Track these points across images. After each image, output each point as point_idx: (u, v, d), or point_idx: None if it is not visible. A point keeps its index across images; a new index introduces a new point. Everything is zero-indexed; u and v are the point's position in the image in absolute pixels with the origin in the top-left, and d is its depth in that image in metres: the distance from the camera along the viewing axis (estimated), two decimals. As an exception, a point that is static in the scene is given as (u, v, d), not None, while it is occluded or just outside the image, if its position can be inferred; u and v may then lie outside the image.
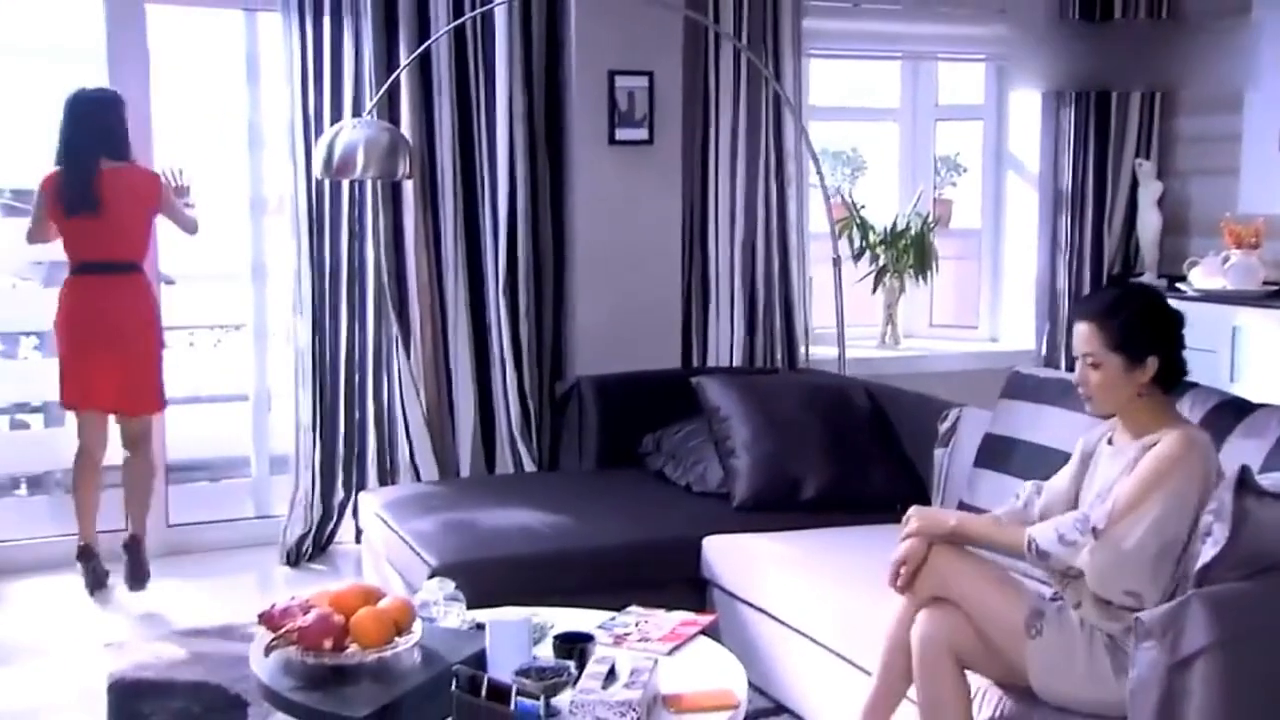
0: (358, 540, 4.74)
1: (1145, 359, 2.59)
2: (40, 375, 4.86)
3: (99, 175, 4.35)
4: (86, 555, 4.53)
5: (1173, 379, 2.66)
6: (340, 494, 4.86)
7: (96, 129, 4.38)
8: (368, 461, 4.87)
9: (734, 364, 5.16)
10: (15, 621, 4.29)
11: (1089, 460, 2.74)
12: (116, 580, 4.57)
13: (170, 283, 5.61)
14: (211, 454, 5.62)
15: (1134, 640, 2.38)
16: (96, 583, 4.53)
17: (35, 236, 4.52)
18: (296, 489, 4.83)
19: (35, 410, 5.80)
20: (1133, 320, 2.60)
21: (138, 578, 4.51)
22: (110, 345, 4.43)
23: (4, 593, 4.54)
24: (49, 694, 3.68)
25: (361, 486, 4.79)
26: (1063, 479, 2.78)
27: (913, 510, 2.81)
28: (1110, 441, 2.70)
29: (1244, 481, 2.41)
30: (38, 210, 4.47)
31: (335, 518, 4.88)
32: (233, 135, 4.95)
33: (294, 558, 4.81)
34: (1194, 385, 2.95)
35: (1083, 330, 2.64)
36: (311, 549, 4.84)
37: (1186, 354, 2.66)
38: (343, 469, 4.84)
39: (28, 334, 5.79)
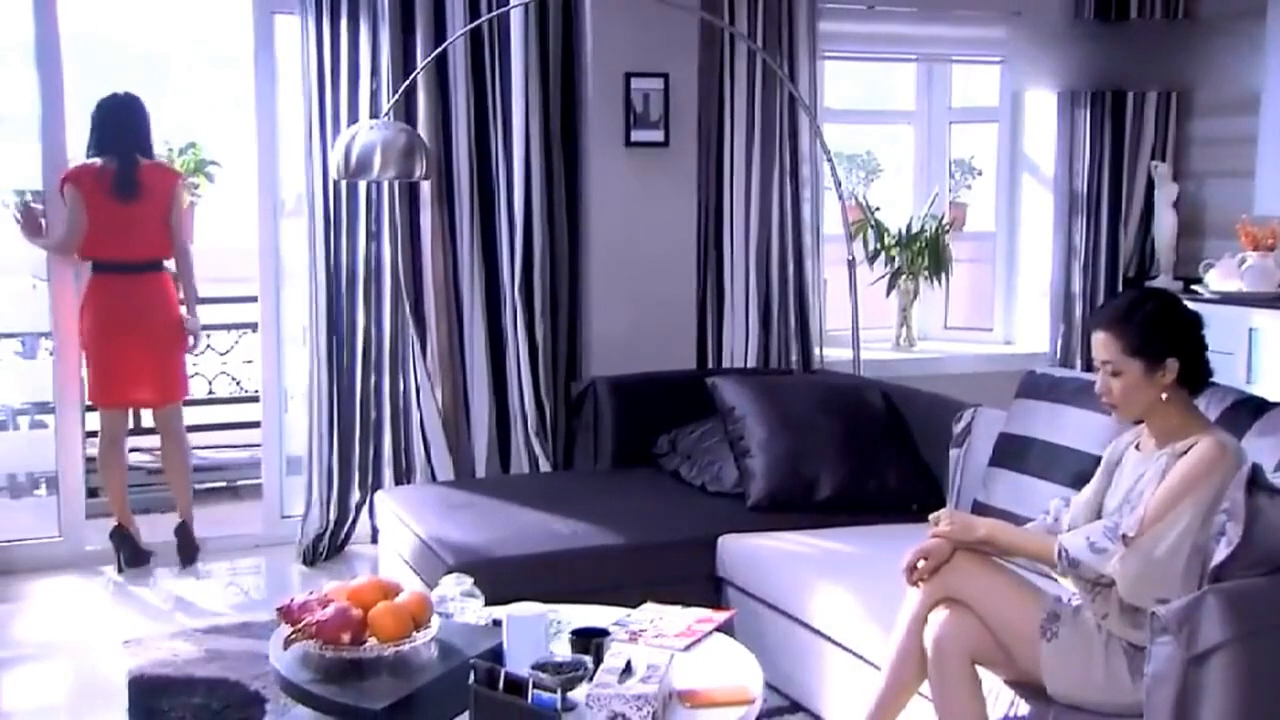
0: (374, 540, 4.76)
1: (1165, 361, 2.57)
2: (59, 376, 4.89)
3: (139, 169, 4.60)
4: (121, 535, 4.71)
5: (1196, 381, 2.64)
6: (356, 494, 4.87)
7: (129, 129, 4.63)
8: (384, 461, 4.89)
9: (749, 365, 5.16)
10: (35, 619, 4.33)
11: (1114, 469, 2.73)
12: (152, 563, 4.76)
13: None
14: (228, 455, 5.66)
15: (1150, 636, 2.37)
16: (132, 560, 4.72)
17: (73, 240, 4.61)
18: (312, 489, 4.85)
19: (54, 411, 5.80)
20: (1148, 323, 2.59)
21: (189, 557, 4.77)
22: (141, 342, 4.64)
23: (23, 591, 4.57)
24: (69, 691, 3.71)
25: (378, 486, 4.81)
26: (1088, 490, 2.77)
27: (945, 511, 2.82)
28: (1137, 448, 2.69)
29: (1255, 480, 2.41)
30: (71, 210, 4.55)
31: (352, 518, 4.90)
32: (250, 136, 4.97)
33: (310, 558, 4.82)
34: (1211, 384, 2.95)
35: (1100, 338, 2.63)
36: (328, 549, 4.86)
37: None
38: (359, 469, 4.85)
39: (46, 335, 5.80)
